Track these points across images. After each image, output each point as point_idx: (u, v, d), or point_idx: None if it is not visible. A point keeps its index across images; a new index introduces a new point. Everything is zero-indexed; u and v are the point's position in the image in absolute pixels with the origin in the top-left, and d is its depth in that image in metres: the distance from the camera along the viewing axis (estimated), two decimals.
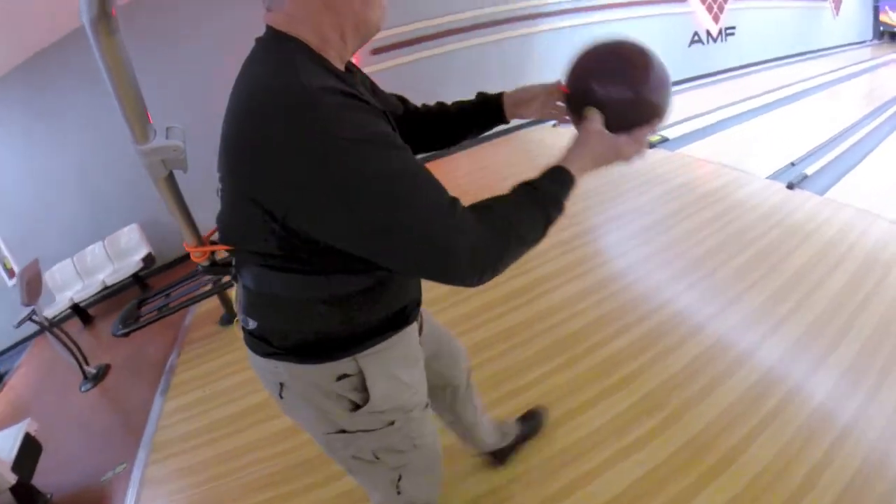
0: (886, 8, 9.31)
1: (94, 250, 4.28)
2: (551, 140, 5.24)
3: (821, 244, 2.81)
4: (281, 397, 1.00)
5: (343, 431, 1.02)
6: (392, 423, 1.03)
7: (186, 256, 4.44)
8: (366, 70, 0.96)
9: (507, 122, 1.18)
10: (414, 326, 1.06)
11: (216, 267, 1.10)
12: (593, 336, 2.29)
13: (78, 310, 4.07)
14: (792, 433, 1.69)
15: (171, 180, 0.91)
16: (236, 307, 1.01)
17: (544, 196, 0.83)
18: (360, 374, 0.95)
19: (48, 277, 4.07)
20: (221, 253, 1.04)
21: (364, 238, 0.76)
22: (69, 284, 4.21)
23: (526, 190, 0.83)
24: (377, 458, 1.08)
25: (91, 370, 3.05)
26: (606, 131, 0.88)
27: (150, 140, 0.82)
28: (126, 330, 2.86)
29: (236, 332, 2.73)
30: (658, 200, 3.64)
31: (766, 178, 3.80)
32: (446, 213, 0.75)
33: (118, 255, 4.27)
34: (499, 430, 1.69)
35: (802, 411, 1.75)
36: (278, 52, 0.81)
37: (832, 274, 2.50)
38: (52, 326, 3.10)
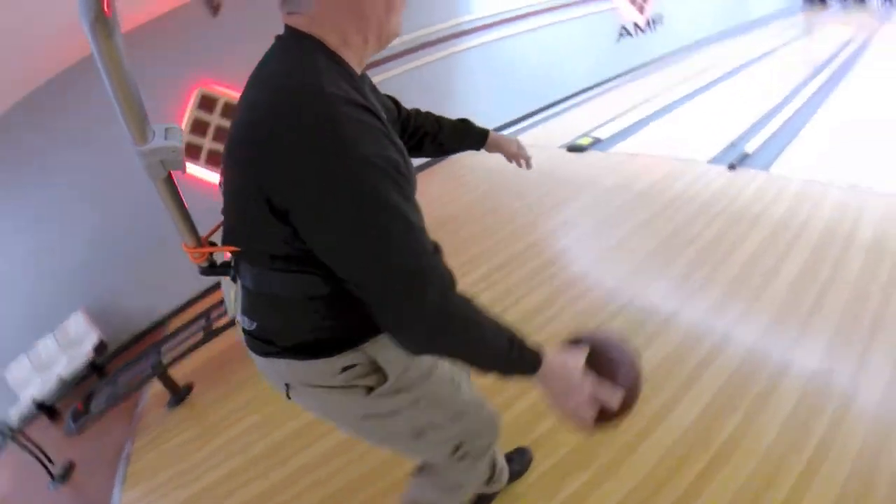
0: None
1: (47, 343, 4.11)
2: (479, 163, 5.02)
3: (771, 224, 2.77)
4: (288, 398, 1.01)
5: (369, 417, 1.02)
6: (417, 401, 1.03)
7: (140, 336, 4.43)
8: None
9: (481, 149, 1.43)
10: None
11: (215, 268, 1.09)
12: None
13: (42, 406, 3.87)
14: (786, 413, 1.69)
15: (169, 181, 0.90)
16: (236, 308, 1.01)
17: (512, 353, 0.86)
18: (369, 362, 0.96)
19: (6, 376, 3.95)
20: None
21: (344, 251, 0.78)
22: (28, 381, 4.01)
23: (509, 335, 0.86)
24: (422, 434, 1.08)
25: (57, 469, 2.93)
26: (580, 375, 0.90)
27: (149, 141, 0.82)
28: (77, 426, 2.87)
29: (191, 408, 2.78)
30: (597, 204, 3.59)
31: (708, 162, 3.76)
32: (428, 252, 0.79)
33: (69, 345, 4.11)
34: None
35: (790, 393, 1.75)
36: (298, 51, 0.82)
37: (790, 254, 2.48)
38: (15, 433, 3.05)
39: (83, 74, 3.60)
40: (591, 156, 4.52)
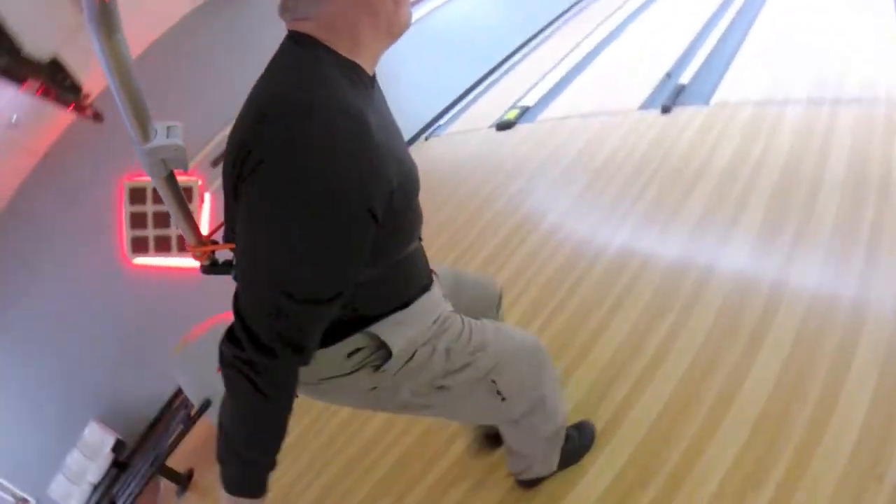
0: None
1: (74, 456, 4.25)
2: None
3: (728, 156, 2.60)
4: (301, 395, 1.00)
5: (378, 388, 1.03)
6: (433, 349, 1.03)
7: (155, 422, 4.46)
8: None
9: None
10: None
11: (217, 267, 1.10)
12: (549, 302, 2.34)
13: None
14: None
15: (171, 179, 0.92)
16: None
17: (247, 461, 0.82)
18: (375, 341, 0.96)
19: (50, 495, 4.11)
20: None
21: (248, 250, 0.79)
22: (69, 494, 4.16)
23: (268, 458, 0.83)
24: (444, 387, 1.07)
25: None
26: None
27: (152, 139, 0.83)
28: None
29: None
30: (530, 189, 3.39)
31: (642, 104, 3.50)
32: (308, 300, 0.77)
33: (93, 453, 4.26)
34: None
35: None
36: (305, 59, 0.79)
37: (758, 177, 2.37)
38: None
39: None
40: (520, 131, 4.23)
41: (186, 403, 3.57)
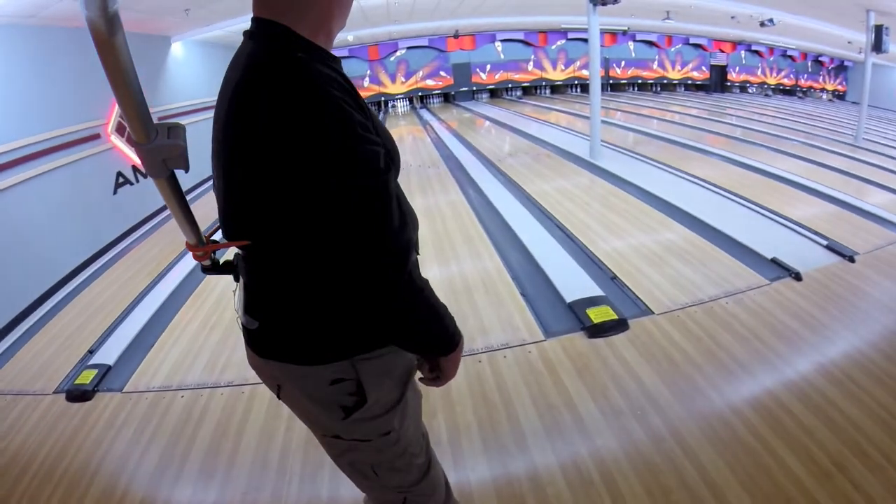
0: None
1: None
2: None
3: None
4: (279, 398, 1.05)
5: (338, 437, 1.05)
6: (388, 433, 1.05)
7: None
8: None
9: None
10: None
11: (217, 267, 1.09)
12: None
13: None
14: None
15: (172, 180, 0.91)
16: (236, 307, 1.03)
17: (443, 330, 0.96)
18: (356, 379, 0.97)
19: None
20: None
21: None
22: None
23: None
24: (375, 474, 1.12)
25: None
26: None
27: (152, 140, 0.82)
28: None
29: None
30: None
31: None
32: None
33: None
34: None
35: None
36: (272, 37, 0.83)
37: None
38: None
39: None
40: (101, 406, 2.70)
41: None
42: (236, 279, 1.04)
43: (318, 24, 0.87)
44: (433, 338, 0.96)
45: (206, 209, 1.92)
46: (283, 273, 0.91)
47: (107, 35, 0.66)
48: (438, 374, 1.04)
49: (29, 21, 4.31)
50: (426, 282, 0.91)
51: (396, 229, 0.83)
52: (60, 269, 4.65)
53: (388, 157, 0.85)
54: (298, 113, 0.75)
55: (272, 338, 0.98)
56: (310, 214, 0.80)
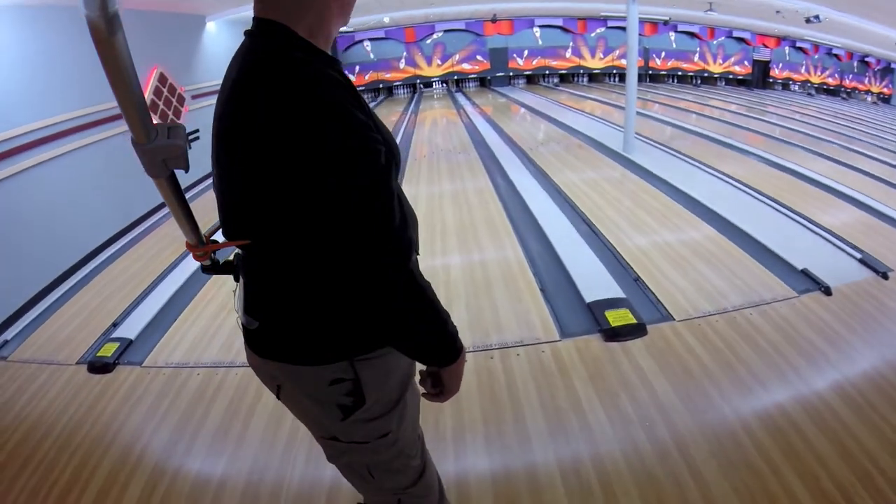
0: None
1: None
2: None
3: None
4: (278, 398, 1.06)
5: (335, 439, 1.06)
6: (386, 434, 1.06)
7: None
8: None
9: None
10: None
11: (217, 267, 1.10)
12: None
13: None
14: None
15: (172, 180, 0.91)
16: (236, 307, 1.03)
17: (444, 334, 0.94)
18: (355, 379, 0.97)
19: None
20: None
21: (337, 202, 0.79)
22: None
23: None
24: (371, 476, 1.13)
25: None
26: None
27: (152, 140, 0.82)
28: None
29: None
30: None
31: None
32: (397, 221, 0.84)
33: None
34: None
35: None
36: (270, 37, 0.84)
37: None
38: None
39: None
40: (120, 378, 2.79)
41: None
42: (236, 279, 1.04)
43: (317, 26, 0.87)
44: (433, 341, 0.94)
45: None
46: (283, 273, 0.91)
47: (107, 34, 0.66)
48: (441, 389, 1.03)
49: (66, 1, 4.39)
50: (428, 283, 0.90)
51: (397, 229, 0.83)
52: (90, 243, 4.79)
53: (389, 157, 0.84)
54: (296, 111, 0.74)
55: (272, 338, 0.98)
56: (309, 214, 0.80)
